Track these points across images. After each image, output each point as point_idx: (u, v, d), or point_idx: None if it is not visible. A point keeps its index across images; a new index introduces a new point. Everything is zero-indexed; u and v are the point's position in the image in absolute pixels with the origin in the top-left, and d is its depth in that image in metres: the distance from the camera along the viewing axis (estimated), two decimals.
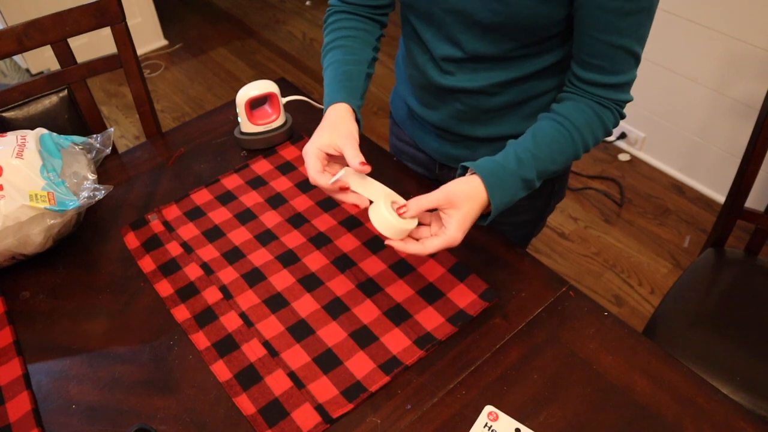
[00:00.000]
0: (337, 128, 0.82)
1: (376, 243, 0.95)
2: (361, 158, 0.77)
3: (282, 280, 0.90)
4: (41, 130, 0.98)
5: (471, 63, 0.87)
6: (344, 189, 0.79)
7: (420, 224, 0.79)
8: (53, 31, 1.12)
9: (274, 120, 1.12)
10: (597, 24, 0.75)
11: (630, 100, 0.83)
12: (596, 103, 0.82)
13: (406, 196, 1.02)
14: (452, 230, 0.74)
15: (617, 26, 0.75)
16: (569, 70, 0.84)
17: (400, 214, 0.75)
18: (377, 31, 0.98)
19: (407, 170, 1.08)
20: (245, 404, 0.76)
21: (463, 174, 0.80)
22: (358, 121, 0.86)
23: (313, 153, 0.81)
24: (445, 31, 0.85)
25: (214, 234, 0.98)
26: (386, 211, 0.74)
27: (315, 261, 0.93)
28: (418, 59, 0.93)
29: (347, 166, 0.79)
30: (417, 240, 0.78)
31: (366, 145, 1.14)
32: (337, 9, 0.97)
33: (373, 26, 0.97)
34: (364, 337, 0.82)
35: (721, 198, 2.14)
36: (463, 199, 0.75)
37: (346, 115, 0.84)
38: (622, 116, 0.85)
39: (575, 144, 0.82)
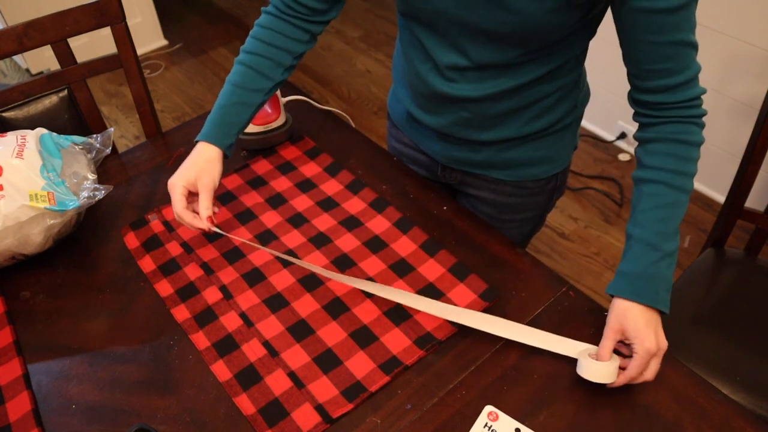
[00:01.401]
0: (204, 174, 0.90)
1: (376, 243, 0.95)
2: (210, 213, 0.89)
3: (282, 280, 0.90)
4: (41, 130, 0.98)
5: (477, 71, 0.86)
6: (205, 229, 0.89)
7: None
8: (53, 31, 1.12)
9: (274, 120, 1.12)
10: (649, 27, 0.73)
11: (704, 92, 0.79)
12: (676, 124, 0.78)
13: (407, 196, 1.03)
14: (640, 347, 0.73)
15: (672, 22, 0.72)
16: (632, 93, 0.81)
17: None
18: (301, 47, 0.95)
19: (407, 170, 1.08)
20: (245, 404, 0.76)
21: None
22: (226, 156, 0.94)
23: (179, 191, 0.89)
24: (451, 39, 0.84)
25: (214, 234, 0.98)
26: (597, 364, 0.74)
27: (315, 261, 0.93)
28: (419, 67, 0.91)
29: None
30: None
31: (366, 145, 1.14)
32: (271, 12, 0.95)
33: (299, 40, 0.95)
34: (364, 337, 0.82)
35: (721, 198, 2.14)
36: (624, 321, 0.76)
37: (215, 162, 0.92)
38: (704, 114, 0.79)
39: (683, 187, 0.78)
